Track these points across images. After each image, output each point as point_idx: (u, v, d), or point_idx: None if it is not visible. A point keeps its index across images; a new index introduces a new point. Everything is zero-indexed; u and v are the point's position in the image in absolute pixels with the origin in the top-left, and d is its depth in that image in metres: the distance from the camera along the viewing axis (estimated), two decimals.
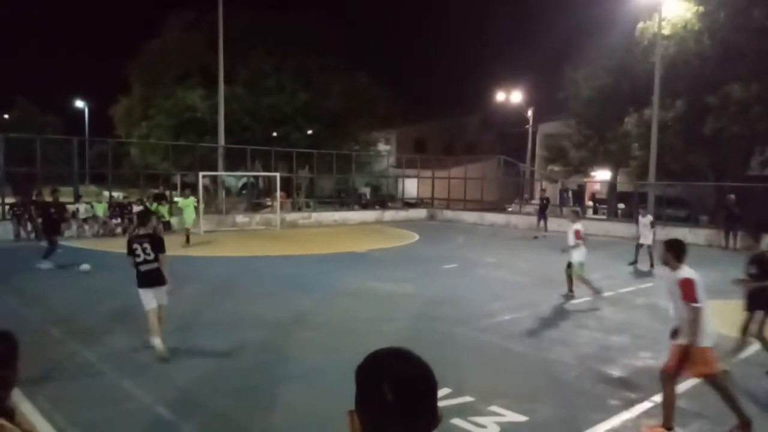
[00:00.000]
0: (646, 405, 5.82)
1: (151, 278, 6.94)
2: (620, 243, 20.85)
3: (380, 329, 8.48)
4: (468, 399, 5.76)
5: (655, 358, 7.40)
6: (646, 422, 5.41)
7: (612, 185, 30.86)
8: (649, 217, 15.42)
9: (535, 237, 21.99)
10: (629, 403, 5.84)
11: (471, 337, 8.23)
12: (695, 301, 4.96)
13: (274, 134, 34.15)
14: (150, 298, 6.90)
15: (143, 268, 6.92)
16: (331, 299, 10.44)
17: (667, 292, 5.28)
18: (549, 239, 20.43)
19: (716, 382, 5.10)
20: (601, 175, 32.82)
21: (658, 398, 5.98)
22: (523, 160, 39.17)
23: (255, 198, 29.73)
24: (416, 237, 21.58)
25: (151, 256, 6.92)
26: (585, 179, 32.69)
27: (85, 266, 12.74)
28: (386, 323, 8.78)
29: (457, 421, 5.26)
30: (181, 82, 32.28)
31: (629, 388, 6.29)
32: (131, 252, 6.92)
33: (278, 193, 25.37)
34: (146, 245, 6.92)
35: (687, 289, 4.99)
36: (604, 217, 29.49)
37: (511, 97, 39.59)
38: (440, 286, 11.97)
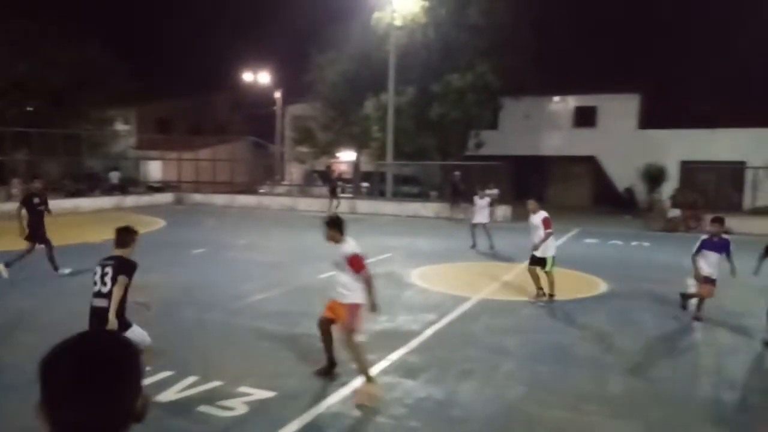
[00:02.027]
0: (383, 364, 6.38)
1: None
2: (364, 219, 22.38)
3: None
4: (216, 384, 5.65)
5: (391, 321, 8.15)
6: (383, 378, 5.92)
7: (356, 165, 32.82)
8: (487, 199, 15.56)
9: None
10: (369, 364, 6.32)
11: (220, 321, 8.08)
12: (364, 268, 5.58)
13: None
14: None
15: None
16: (59, 298, 9.28)
17: (334, 264, 5.80)
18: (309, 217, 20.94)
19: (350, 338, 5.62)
20: (347, 155, 34.66)
21: (394, 356, 6.62)
22: (273, 141, 39.43)
23: None
24: (162, 223, 20.34)
25: None
26: (332, 160, 34.21)
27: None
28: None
29: (204, 408, 5.14)
30: None
31: (369, 350, 6.77)
32: None
33: None
34: None
35: (357, 263, 5.57)
36: (351, 195, 31.32)
37: (259, 77, 39.40)
38: (189, 272, 11.50)
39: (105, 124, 35.30)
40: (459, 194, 22.82)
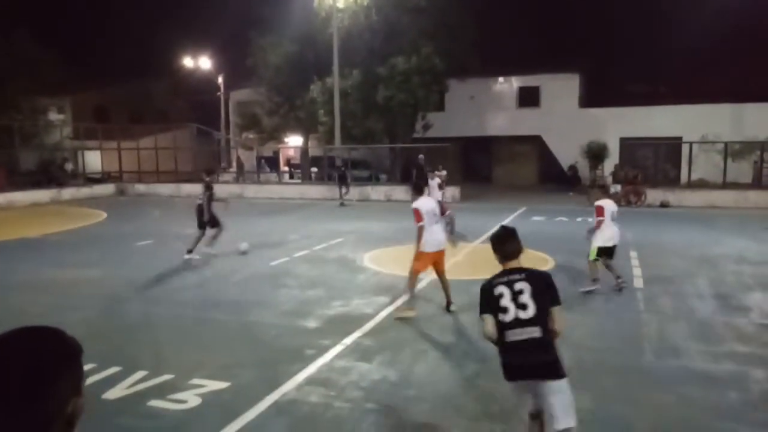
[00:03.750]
0: (338, 348, 6.36)
1: None
2: (315, 204, 22.23)
3: (62, 321, 7.46)
4: (166, 377, 5.52)
5: (345, 305, 8.14)
6: (338, 363, 5.91)
7: (304, 150, 32.48)
8: (438, 180, 16.18)
9: (342, 204, 21.88)
10: (324, 349, 6.30)
11: (169, 313, 7.88)
12: (418, 221, 7.47)
13: None
14: None
15: None
16: None
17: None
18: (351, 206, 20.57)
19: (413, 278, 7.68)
20: (294, 141, 34.23)
21: (348, 340, 6.61)
22: (218, 128, 38.53)
23: None
24: (104, 215, 19.63)
25: None
26: (279, 145, 33.72)
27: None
28: (70, 313, 7.81)
29: (155, 403, 5.01)
30: None
31: (324, 335, 6.79)
32: None
33: None
34: None
35: (414, 215, 7.52)
36: (299, 181, 31.03)
37: (201, 63, 38.32)
38: (133, 265, 11.14)
39: (38, 114, 33.64)
40: (416, 190, 22.79)
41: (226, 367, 5.83)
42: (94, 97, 40.48)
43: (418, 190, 8.02)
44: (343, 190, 22.35)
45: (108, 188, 28.42)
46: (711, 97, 28.42)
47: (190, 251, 11.17)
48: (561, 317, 3.52)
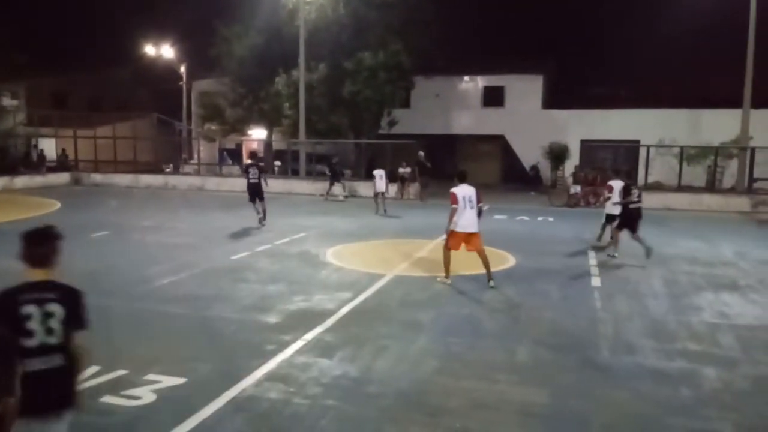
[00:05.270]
0: (299, 344, 6.29)
1: None
2: (277, 198, 21.98)
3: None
4: (121, 373, 5.37)
5: (307, 300, 8.06)
6: (298, 359, 5.85)
7: (268, 144, 32.09)
8: (382, 172, 18.83)
9: (345, 197, 21.98)
10: (284, 345, 6.23)
11: (125, 307, 7.66)
12: (453, 203, 8.67)
13: None
14: None
15: None
16: None
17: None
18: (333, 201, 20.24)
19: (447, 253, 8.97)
20: (258, 133, 33.78)
21: (309, 336, 6.55)
22: (180, 118, 37.75)
23: None
24: (57, 205, 19.02)
25: None
26: (242, 138, 33.23)
27: None
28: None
29: (108, 399, 4.87)
30: None
31: (284, 331, 6.71)
32: None
33: None
34: None
35: (451, 197, 8.74)
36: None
37: (163, 51, 37.41)
38: (88, 257, 10.79)
39: None
40: (425, 173, 22.90)
41: (183, 362, 5.71)
42: (51, 83, 39.06)
43: (461, 178, 9.03)
44: (335, 185, 22.29)
45: (63, 177, 27.56)
46: (669, 102, 29.22)
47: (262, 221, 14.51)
48: (83, 345, 3.09)
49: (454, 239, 8.78)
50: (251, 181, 14.70)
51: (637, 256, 10.97)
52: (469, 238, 8.77)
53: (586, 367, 5.87)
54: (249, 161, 16.03)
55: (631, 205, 11.15)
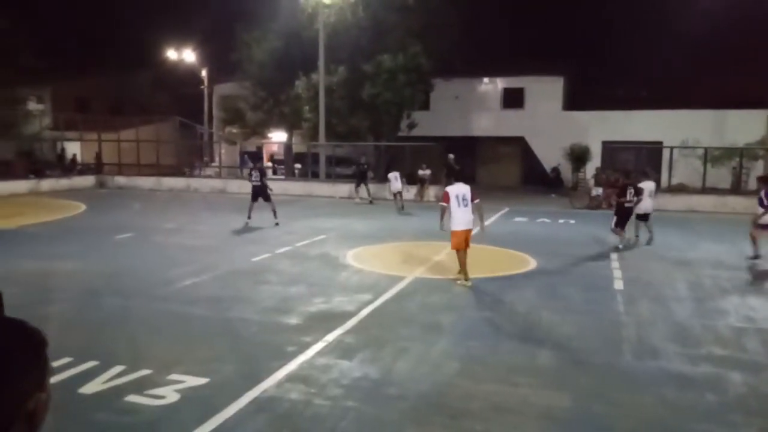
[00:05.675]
0: (319, 345, 6.32)
1: None
2: (298, 201, 22.10)
3: (36, 315, 7.36)
4: (145, 372, 5.44)
5: (327, 302, 8.10)
6: (319, 360, 5.88)
7: (288, 146, 32.29)
8: (397, 174, 20.02)
9: (371, 202, 21.90)
10: (305, 346, 6.26)
11: (148, 307, 7.77)
12: (444, 201, 8.98)
13: None
14: None
15: None
16: None
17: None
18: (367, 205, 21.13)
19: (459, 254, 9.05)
20: (278, 136, 34.02)
21: (329, 337, 6.58)
22: (201, 121, 38.17)
23: None
24: (83, 207, 19.34)
25: None
26: (263, 141, 33.49)
27: None
28: (44, 307, 7.66)
29: (132, 398, 4.93)
30: None
31: (305, 332, 6.74)
32: None
33: None
34: None
35: (443, 196, 9.07)
36: (283, 177, 30.84)
37: (185, 56, 37.90)
38: (113, 258, 10.99)
39: (17, 104, 33.01)
40: (453, 176, 22.75)
41: (206, 362, 5.77)
42: (75, 87, 39.81)
43: (457, 176, 9.57)
44: (361, 188, 22.30)
45: (88, 180, 28.03)
46: (692, 102, 28.80)
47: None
48: None
49: (456, 239, 8.96)
50: (253, 183, 15.58)
51: (660, 258, 10.83)
52: (468, 234, 9.02)
53: (609, 372, 5.81)
54: (265, 163, 17.39)
55: (626, 204, 12.39)
